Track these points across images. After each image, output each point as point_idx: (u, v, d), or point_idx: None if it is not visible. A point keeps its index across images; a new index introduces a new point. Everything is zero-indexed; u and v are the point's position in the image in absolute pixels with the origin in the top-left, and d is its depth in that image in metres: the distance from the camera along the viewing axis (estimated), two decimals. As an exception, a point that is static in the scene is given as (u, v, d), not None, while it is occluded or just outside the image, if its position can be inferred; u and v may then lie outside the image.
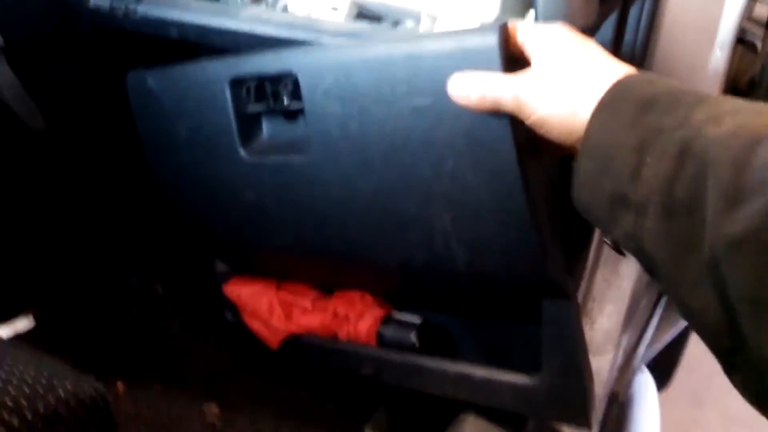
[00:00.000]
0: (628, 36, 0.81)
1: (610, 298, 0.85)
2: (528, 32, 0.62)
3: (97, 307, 1.21)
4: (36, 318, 1.08)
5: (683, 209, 0.46)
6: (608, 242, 0.66)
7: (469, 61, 0.64)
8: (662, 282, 0.50)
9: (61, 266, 1.17)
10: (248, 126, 0.86)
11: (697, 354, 1.38)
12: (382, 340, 0.92)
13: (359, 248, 0.83)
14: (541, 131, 0.60)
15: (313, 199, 0.82)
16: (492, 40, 0.63)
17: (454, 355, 0.92)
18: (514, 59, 0.63)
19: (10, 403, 0.54)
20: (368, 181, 0.76)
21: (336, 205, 0.80)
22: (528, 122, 0.61)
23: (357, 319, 0.93)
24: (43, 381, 0.58)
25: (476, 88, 0.63)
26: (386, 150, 0.73)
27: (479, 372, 0.83)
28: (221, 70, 0.84)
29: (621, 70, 0.56)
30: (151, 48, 0.96)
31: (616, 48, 0.80)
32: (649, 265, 0.51)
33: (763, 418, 0.88)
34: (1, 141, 1.03)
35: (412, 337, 0.89)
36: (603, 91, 0.54)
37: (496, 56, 0.63)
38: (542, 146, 0.64)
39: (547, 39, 0.61)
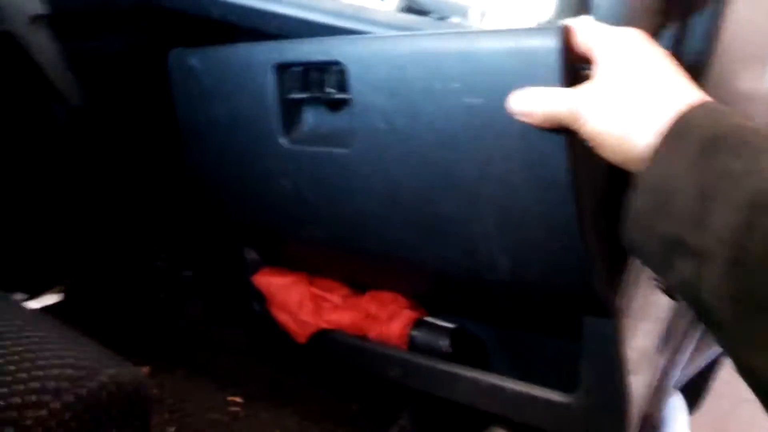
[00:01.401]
0: (687, 46, 0.77)
1: (648, 317, 0.81)
2: (596, 33, 0.58)
3: (124, 288, 1.20)
4: (65, 294, 1.08)
5: (758, 266, 0.42)
6: (659, 284, 0.62)
7: (527, 62, 0.61)
8: (718, 334, 0.47)
9: (91, 244, 1.17)
10: (290, 113, 0.84)
11: (725, 380, 1.33)
12: (413, 344, 0.89)
13: (396, 248, 0.80)
14: (593, 144, 0.57)
15: (351, 193, 0.79)
16: (552, 42, 0.59)
17: (486, 365, 0.89)
18: (574, 62, 0.60)
19: (53, 386, 0.53)
20: (411, 179, 0.73)
21: (375, 201, 0.78)
22: (580, 132, 0.57)
23: (389, 319, 0.90)
24: (86, 364, 0.57)
25: (540, 105, 0.60)
26: (433, 147, 0.70)
27: (513, 386, 0.80)
28: (267, 54, 0.82)
29: (688, 95, 0.52)
30: (193, 28, 0.94)
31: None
32: (705, 316, 0.47)
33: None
34: (39, 115, 1.02)
35: (445, 342, 0.86)
36: (664, 121, 0.50)
37: (555, 59, 0.59)
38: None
39: (617, 43, 0.56)
